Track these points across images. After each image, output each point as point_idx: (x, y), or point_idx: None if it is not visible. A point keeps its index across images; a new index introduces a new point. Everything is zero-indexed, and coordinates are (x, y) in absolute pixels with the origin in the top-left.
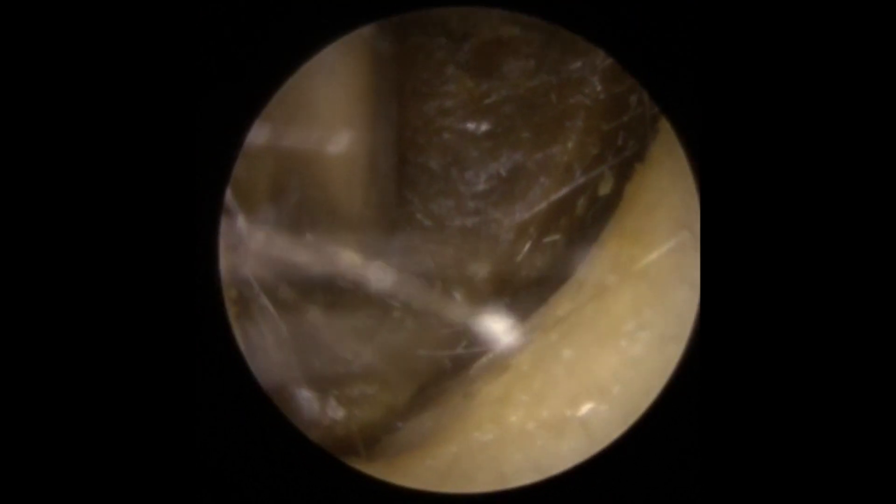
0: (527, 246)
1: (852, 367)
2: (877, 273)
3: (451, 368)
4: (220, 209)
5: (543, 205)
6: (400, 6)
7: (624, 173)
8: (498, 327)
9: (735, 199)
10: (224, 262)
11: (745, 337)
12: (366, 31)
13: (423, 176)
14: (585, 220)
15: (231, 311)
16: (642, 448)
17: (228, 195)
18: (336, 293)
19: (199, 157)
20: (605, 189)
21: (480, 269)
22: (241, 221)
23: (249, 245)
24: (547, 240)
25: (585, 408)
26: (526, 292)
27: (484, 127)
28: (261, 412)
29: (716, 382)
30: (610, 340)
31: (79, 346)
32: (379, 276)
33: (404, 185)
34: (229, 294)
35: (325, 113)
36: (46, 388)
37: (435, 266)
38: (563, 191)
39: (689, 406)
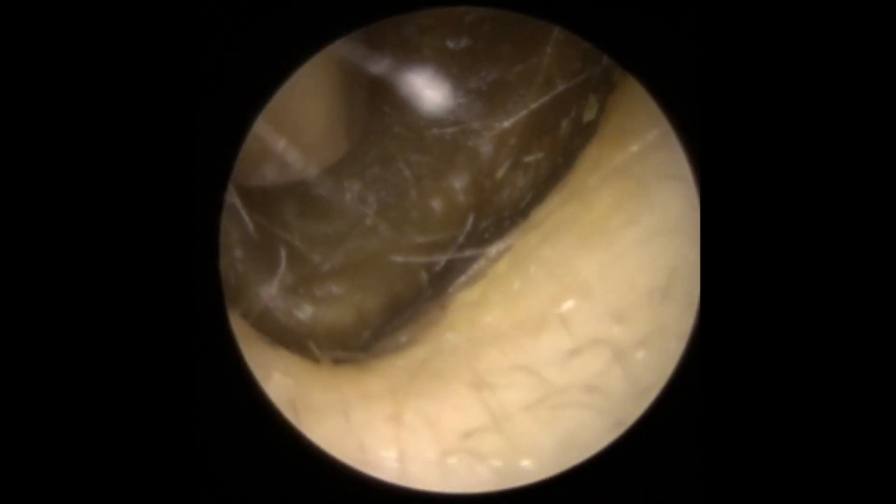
0: (507, 162)
1: (852, 368)
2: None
3: (429, 288)
4: (221, 207)
5: (523, 113)
6: (392, 9)
7: (607, 88)
8: (477, 239)
9: (735, 193)
10: None
11: (746, 336)
12: None
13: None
14: (570, 144)
15: None
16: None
17: None
18: (307, 201)
19: (199, 155)
20: (590, 115)
21: (458, 181)
22: None
23: None
24: (528, 158)
25: (566, 305)
26: (506, 207)
27: (464, 43)
28: (260, 410)
29: (716, 383)
30: (592, 239)
31: (78, 344)
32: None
33: (380, 98)
34: None
35: None
36: (46, 387)
37: (412, 175)
38: (544, 99)
39: (689, 407)
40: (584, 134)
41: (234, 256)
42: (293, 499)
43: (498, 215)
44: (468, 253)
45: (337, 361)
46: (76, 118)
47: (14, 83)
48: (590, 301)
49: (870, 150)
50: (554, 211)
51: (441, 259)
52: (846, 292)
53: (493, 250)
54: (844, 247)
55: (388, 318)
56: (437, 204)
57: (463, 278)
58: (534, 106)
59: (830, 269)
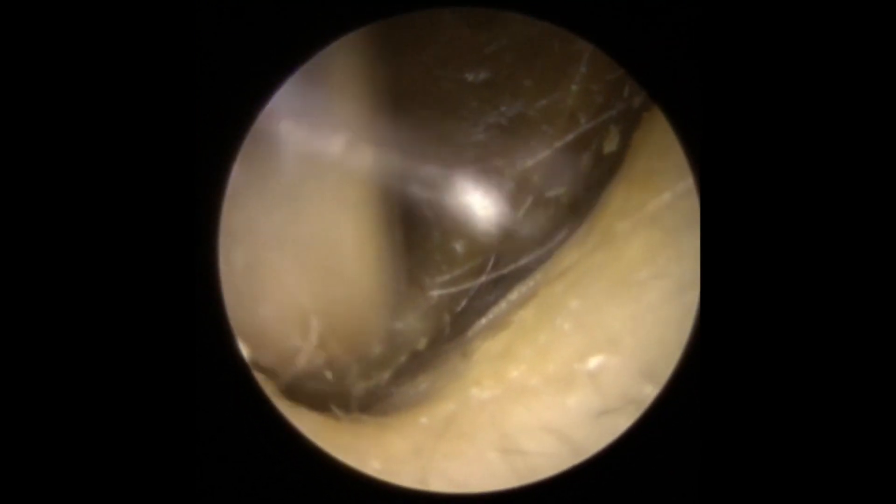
0: (529, 199)
1: (852, 374)
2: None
3: (450, 331)
4: (221, 205)
5: (547, 152)
6: (399, 7)
7: (631, 124)
8: (504, 283)
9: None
10: None
11: (746, 335)
12: None
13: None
14: (590, 177)
15: None
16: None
17: None
18: None
19: (199, 154)
20: (610, 146)
21: (480, 221)
22: None
23: None
24: (550, 194)
25: (595, 361)
26: (529, 248)
27: (483, 75)
28: (260, 410)
29: (716, 383)
30: (621, 290)
31: (77, 342)
32: None
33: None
34: None
35: None
36: (45, 386)
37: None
38: (568, 137)
39: (690, 408)
40: (604, 165)
41: None
42: (293, 498)
43: (519, 255)
44: (490, 297)
45: (362, 408)
46: (76, 117)
47: (14, 83)
48: (619, 357)
49: (875, 168)
50: (581, 258)
51: (462, 300)
52: (846, 298)
53: (514, 293)
54: (844, 253)
55: (409, 357)
56: (459, 245)
57: (483, 321)
58: (558, 144)
59: (830, 274)
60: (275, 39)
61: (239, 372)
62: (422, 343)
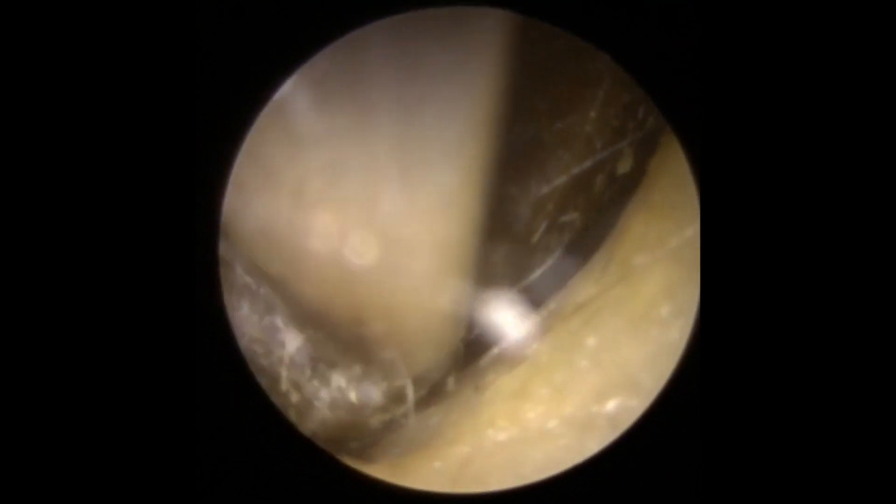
0: (543, 225)
1: (852, 377)
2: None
3: (464, 358)
4: (221, 202)
5: (564, 179)
6: (399, 6)
7: (646, 148)
8: (511, 313)
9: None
10: None
11: (746, 337)
12: None
13: None
14: (603, 199)
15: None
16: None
17: None
18: None
19: (199, 153)
20: (624, 167)
21: (495, 249)
22: None
23: None
24: (564, 219)
25: (613, 402)
26: (542, 276)
27: None
28: (259, 409)
29: (716, 384)
30: (640, 327)
31: (76, 341)
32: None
33: None
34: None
35: None
36: (45, 385)
37: None
38: (586, 164)
39: (690, 409)
40: (617, 187)
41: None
42: (293, 497)
43: (530, 283)
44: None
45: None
46: (76, 115)
47: (14, 83)
48: (638, 399)
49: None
50: (598, 292)
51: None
52: (846, 301)
53: (526, 323)
54: (843, 256)
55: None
56: None
57: (496, 350)
58: (575, 171)
59: (829, 276)
60: (274, 39)
61: (239, 372)
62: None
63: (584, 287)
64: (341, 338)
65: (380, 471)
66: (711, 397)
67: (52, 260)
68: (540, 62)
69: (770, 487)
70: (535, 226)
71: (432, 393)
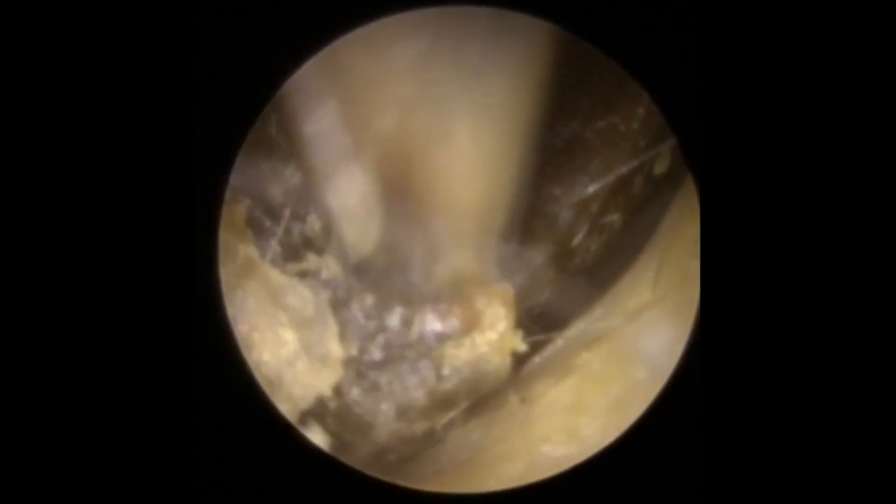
0: (585, 227)
1: (852, 376)
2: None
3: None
4: (221, 201)
5: (609, 179)
6: (397, 5)
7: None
8: (557, 318)
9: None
10: None
11: (746, 338)
12: None
13: None
14: (642, 200)
15: None
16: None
17: None
18: None
19: (200, 151)
20: (661, 167)
21: (539, 253)
22: None
23: None
24: (605, 220)
25: None
26: (584, 280)
27: None
28: (258, 408)
29: (716, 384)
30: None
31: (76, 340)
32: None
33: None
34: None
35: None
36: (45, 384)
37: None
38: (633, 163)
39: (691, 411)
40: (654, 188)
41: None
42: (293, 498)
43: (573, 287)
44: (542, 336)
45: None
46: (76, 113)
47: (14, 83)
48: None
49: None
50: (654, 300)
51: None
52: (845, 301)
53: (571, 330)
54: (843, 256)
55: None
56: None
57: (538, 359)
58: (622, 171)
59: (828, 275)
60: (275, 39)
61: (239, 374)
62: None
63: (635, 292)
64: None
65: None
66: (711, 397)
67: (52, 260)
68: (582, 56)
69: (770, 487)
70: (577, 228)
71: (473, 405)
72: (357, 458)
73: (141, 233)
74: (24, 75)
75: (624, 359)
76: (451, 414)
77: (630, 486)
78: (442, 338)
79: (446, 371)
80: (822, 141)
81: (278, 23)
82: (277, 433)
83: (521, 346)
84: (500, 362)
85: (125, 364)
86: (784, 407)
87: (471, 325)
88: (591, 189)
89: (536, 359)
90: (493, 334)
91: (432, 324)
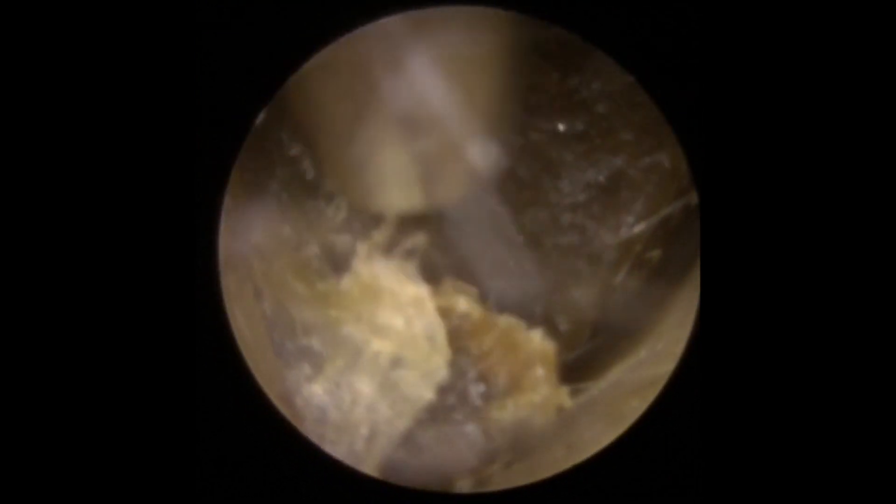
0: (627, 265)
1: (852, 376)
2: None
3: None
4: (222, 200)
5: (654, 219)
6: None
7: None
8: (603, 359)
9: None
10: None
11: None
12: None
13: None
14: (681, 232)
15: None
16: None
17: None
18: None
19: (200, 151)
20: (694, 198)
21: (583, 295)
22: None
23: None
24: (646, 256)
25: None
26: (628, 315)
27: (577, 126)
28: (258, 409)
29: (716, 384)
30: None
31: (75, 339)
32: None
33: None
34: None
35: None
36: (44, 384)
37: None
38: (678, 203)
39: (690, 412)
40: (692, 216)
41: None
42: (291, 497)
43: (615, 327)
44: (588, 383)
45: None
46: (77, 112)
47: (14, 83)
48: None
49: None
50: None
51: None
52: (845, 300)
53: (613, 374)
54: (844, 257)
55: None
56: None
57: (582, 400)
58: (666, 211)
59: (828, 274)
60: (275, 39)
61: (239, 373)
62: None
63: (678, 329)
64: None
65: None
66: (711, 397)
67: (52, 261)
68: (624, 88)
69: (770, 488)
70: (620, 267)
71: (517, 449)
72: None
73: (141, 233)
74: (24, 77)
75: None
76: (496, 466)
77: (630, 486)
78: (487, 398)
79: (493, 432)
80: (820, 140)
81: (277, 23)
82: (278, 434)
83: (568, 403)
84: (546, 419)
85: (125, 364)
86: (784, 406)
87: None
88: (636, 230)
89: (581, 400)
90: (537, 397)
91: (476, 386)
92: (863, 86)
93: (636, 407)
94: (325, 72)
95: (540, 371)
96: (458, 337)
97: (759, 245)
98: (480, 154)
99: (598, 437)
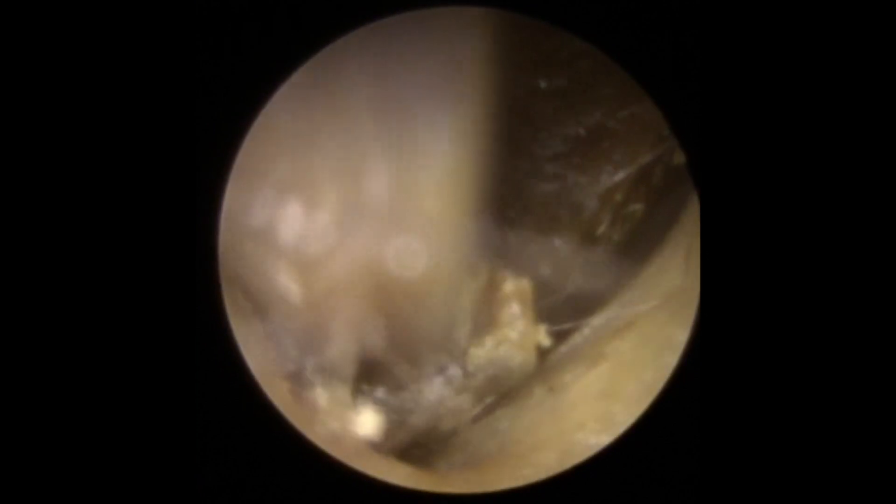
0: (608, 217)
1: (852, 377)
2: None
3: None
4: (220, 201)
5: (633, 169)
6: (396, 6)
7: None
8: (583, 307)
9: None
10: None
11: (746, 339)
12: None
13: None
14: (662, 189)
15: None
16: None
17: None
18: None
19: (199, 150)
20: (680, 157)
21: (564, 242)
22: None
23: None
24: (627, 210)
25: None
26: (609, 268)
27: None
28: (257, 409)
29: (716, 386)
30: None
31: (75, 341)
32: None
33: None
34: None
35: None
36: (44, 384)
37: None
38: (658, 151)
39: (690, 412)
40: (674, 177)
41: None
42: (293, 498)
43: (597, 276)
44: (568, 323)
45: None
46: (77, 112)
47: (14, 83)
48: None
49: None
50: (689, 285)
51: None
52: (845, 301)
53: (598, 318)
54: (845, 256)
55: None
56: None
57: (564, 349)
58: (646, 160)
59: (830, 275)
60: (275, 39)
61: (238, 373)
62: None
63: (664, 280)
64: None
65: (461, 481)
66: (711, 397)
67: (51, 262)
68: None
69: (770, 488)
70: (601, 217)
71: (498, 396)
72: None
73: (141, 233)
74: (23, 76)
75: (655, 346)
76: (478, 409)
77: (630, 486)
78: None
79: (471, 368)
80: (818, 141)
81: (277, 23)
82: (276, 433)
83: (546, 342)
84: (524, 358)
85: (125, 364)
86: (783, 407)
87: (489, 325)
88: (616, 178)
89: (563, 348)
90: (514, 333)
91: None
92: (852, 63)
93: (618, 347)
94: None
95: (516, 307)
96: None
97: (759, 245)
98: None
99: (577, 378)
